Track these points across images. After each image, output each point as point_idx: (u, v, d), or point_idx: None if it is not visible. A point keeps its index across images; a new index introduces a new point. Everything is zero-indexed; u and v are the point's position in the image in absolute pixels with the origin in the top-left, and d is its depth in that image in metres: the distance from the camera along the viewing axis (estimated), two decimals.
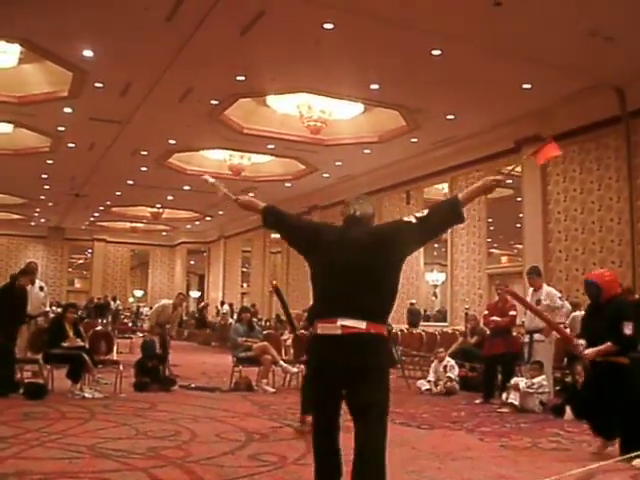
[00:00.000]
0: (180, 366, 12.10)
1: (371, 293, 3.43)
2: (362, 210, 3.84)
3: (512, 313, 9.57)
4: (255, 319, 15.83)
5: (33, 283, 10.55)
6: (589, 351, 5.72)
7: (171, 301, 12.43)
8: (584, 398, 6.42)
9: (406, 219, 3.59)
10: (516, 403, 8.35)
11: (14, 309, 8.96)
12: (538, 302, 8.78)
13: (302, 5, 9.40)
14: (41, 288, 11.35)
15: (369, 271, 3.45)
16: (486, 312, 10.32)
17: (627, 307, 5.88)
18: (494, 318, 9.67)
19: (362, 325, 3.37)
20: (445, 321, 16.92)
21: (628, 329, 5.51)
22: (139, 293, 38.20)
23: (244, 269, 31.40)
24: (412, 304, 17.50)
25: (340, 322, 3.39)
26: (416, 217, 3.52)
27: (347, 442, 3.42)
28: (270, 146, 16.79)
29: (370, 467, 3.31)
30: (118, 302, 29.38)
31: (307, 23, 9.91)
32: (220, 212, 26.90)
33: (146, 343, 10.62)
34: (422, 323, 17.29)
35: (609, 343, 5.55)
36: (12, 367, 8.74)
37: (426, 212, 3.55)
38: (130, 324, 25.59)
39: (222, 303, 28.17)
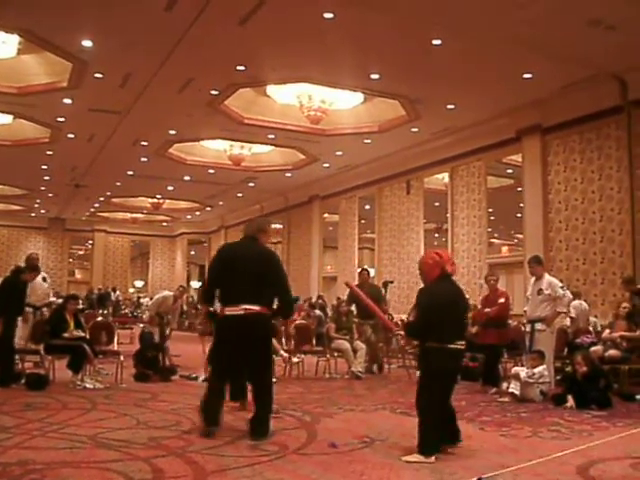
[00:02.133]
0: (180, 356, 12.11)
1: (261, 288, 5.68)
2: (251, 231, 6.04)
3: (500, 301, 9.60)
4: None
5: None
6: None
7: (172, 293, 12.43)
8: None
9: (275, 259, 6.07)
10: (517, 392, 8.36)
11: (14, 301, 8.97)
12: (540, 291, 8.79)
13: None
14: (44, 279, 11.36)
15: (259, 276, 5.69)
16: (479, 306, 10.37)
17: None
18: (486, 310, 9.71)
19: (256, 307, 5.62)
20: None
21: None
22: (139, 284, 38.23)
23: None
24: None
25: (243, 306, 5.62)
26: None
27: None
28: (270, 136, 16.77)
29: (264, 393, 5.72)
30: (118, 293, 29.39)
31: (307, 13, 9.87)
32: (220, 202, 26.90)
33: (144, 334, 10.64)
34: None
35: None
36: (11, 358, 8.76)
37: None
38: (130, 315, 25.61)
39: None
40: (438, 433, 5.00)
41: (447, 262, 5.22)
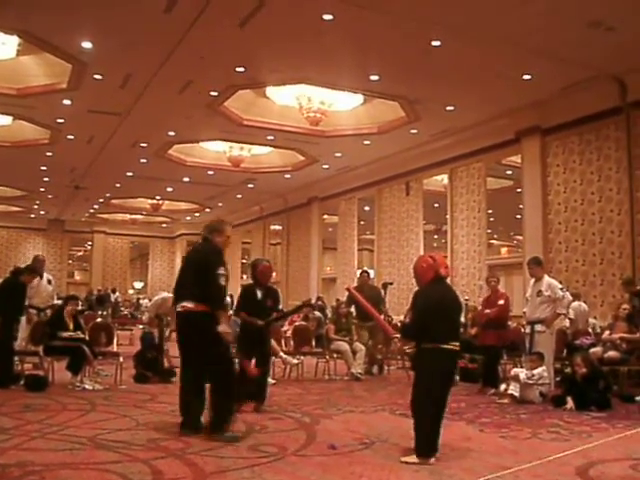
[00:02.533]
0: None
1: (196, 286, 5.73)
2: (205, 231, 6.17)
3: (500, 302, 9.62)
4: None
5: (42, 276, 10.62)
6: None
7: (171, 294, 12.43)
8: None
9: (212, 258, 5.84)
10: (516, 394, 8.36)
11: (12, 302, 8.97)
12: (539, 293, 8.80)
13: None
14: (49, 281, 11.40)
15: (195, 274, 5.79)
16: (480, 307, 10.39)
17: None
18: (486, 311, 9.73)
19: (190, 305, 5.72)
20: None
21: None
22: (139, 285, 38.21)
23: (244, 260, 31.39)
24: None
25: (182, 303, 5.79)
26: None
27: None
28: (270, 137, 16.77)
29: (214, 393, 5.70)
30: (117, 294, 29.36)
31: (306, 14, 9.88)
32: (220, 204, 26.89)
33: (145, 335, 10.64)
34: None
35: None
36: (11, 359, 8.75)
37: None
38: (130, 316, 25.58)
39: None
40: (436, 434, 5.01)
41: (441, 265, 5.30)
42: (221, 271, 5.72)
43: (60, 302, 13.27)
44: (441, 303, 5.17)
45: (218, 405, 5.68)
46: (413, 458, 4.89)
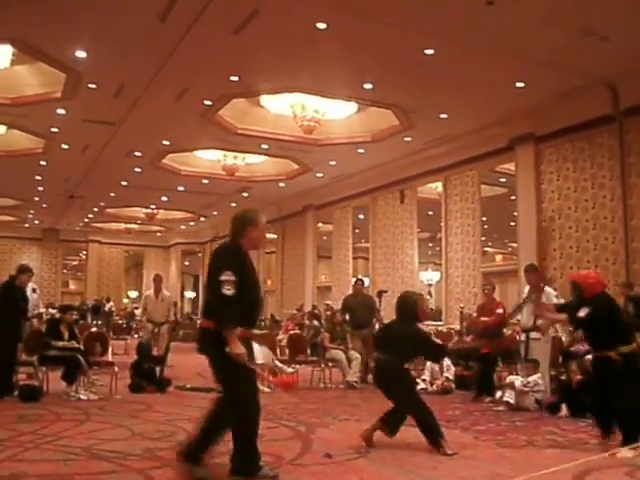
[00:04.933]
0: (174, 367, 12.07)
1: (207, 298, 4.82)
2: (232, 228, 4.99)
3: (499, 311, 9.66)
4: None
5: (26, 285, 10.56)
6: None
7: (150, 292, 12.56)
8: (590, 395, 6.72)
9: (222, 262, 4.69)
10: (512, 401, 8.37)
11: (17, 308, 8.97)
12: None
13: (295, 5, 9.39)
14: (34, 290, 11.36)
15: (207, 284, 4.80)
16: (475, 314, 10.41)
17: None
18: (483, 319, 9.75)
19: (205, 322, 4.71)
20: (440, 320, 16.94)
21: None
22: (134, 294, 38.10)
23: None
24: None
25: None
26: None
27: None
28: (264, 146, 16.78)
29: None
30: (111, 303, 29.26)
31: (300, 23, 9.89)
32: (214, 212, 26.87)
33: (142, 345, 10.61)
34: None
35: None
36: (12, 368, 8.73)
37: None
38: (125, 326, 25.51)
39: None
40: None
41: (603, 280, 6.70)
42: (226, 276, 4.53)
43: (45, 310, 13.28)
44: (618, 310, 6.40)
45: (237, 440, 4.67)
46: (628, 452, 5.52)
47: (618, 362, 5.79)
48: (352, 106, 14.53)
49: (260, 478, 4.53)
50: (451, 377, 10.34)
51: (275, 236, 25.94)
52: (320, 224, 23.25)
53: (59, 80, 12.60)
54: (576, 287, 6.32)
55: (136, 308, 30.11)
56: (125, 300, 36.05)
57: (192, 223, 30.68)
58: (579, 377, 7.92)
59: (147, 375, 9.68)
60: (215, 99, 13.39)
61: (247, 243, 4.91)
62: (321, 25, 9.85)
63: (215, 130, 15.33)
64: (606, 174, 12.37)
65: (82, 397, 8.52)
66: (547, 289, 9.09)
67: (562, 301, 9.13)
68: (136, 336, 20.71)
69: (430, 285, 25.56)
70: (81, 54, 11.22)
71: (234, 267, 4.58)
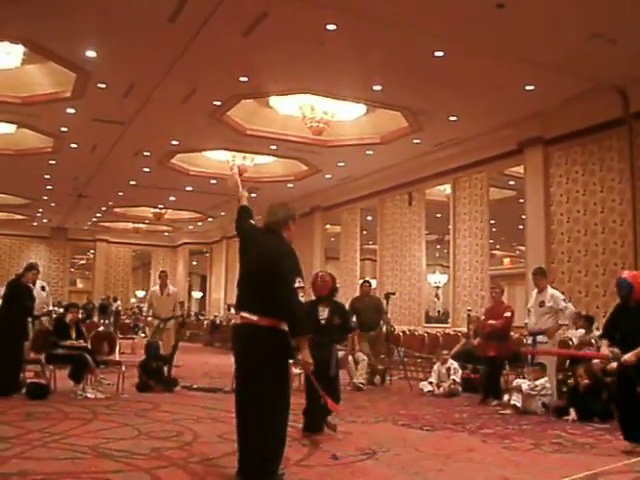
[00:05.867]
0: (182, 366, 12.09)
1: (262, 292, 4.44)
2: (271, 220, 4.85)
3: (507, 314, 9.64)
4: None
5: (34, 283, 10.58)
6: (629, 356, 5.80)
7: (155, 287, 12.60)
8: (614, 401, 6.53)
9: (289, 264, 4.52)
10: (518, 405, 8.35)
11: (22, 306, 9.01)
12: (542, 304, 8.81)
13: (305, 6, 9.39)
14: (43, 288, 11.38)
15: (264, 278, 4.45)
16: (483, 317, 10.39)
17: None
18: (490, 322, 9.72)
19: (254, 317, 4.40)
20: (447, 322, 16.92)
21: None
22: (141, 294, 38.19)
23: None
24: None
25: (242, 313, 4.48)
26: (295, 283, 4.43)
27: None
28: (272, 147, 16.79)
29: (261, 438, 4.42)
30: (119, 302, 29.34)
31: (310, 24, 9.90)
32: (222, 213, 26.89)
33: (150, 344, 10.63)
34: (424, 324, 17.29)
35: None
36: (19, 367, 8.76)
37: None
38: (132, 325, 25.61)
39: (229, 307, 27.94)
40: None
41: None
42: (299, 283, 4.45)
43: (54, 308, 13.30)
44: None
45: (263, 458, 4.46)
46: None
47: None
48: (361, 108, 14.53)
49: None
50: (458, 380, 10.33)
51: None
52: (328, 225, 23.25)
53: (69, 80, 12.64)
54: (625, 286, 6.04)
55: (139, 307, 30.27)
56: (132, 300, 36.13)
57: (200, 223, 30.72)
58: (586, 381, 7.89)
59: (155, 374, 9.70)
60: (224, 100, 13.40)
61: (287, 237, 4.78)
62: (330, 26, 9.85)
63: (224, 131, 15.35)
64: (615, 177, 12.33)
65: (89, 396, 8.55)
66: (554, 292, 9.05)
67: (570, 304, 9.14)
68: (142, 335, 20.76)
69: (438, 287, 25.53)
70: (91, 54, 11.26)
71: (301, 272, 4.57)
